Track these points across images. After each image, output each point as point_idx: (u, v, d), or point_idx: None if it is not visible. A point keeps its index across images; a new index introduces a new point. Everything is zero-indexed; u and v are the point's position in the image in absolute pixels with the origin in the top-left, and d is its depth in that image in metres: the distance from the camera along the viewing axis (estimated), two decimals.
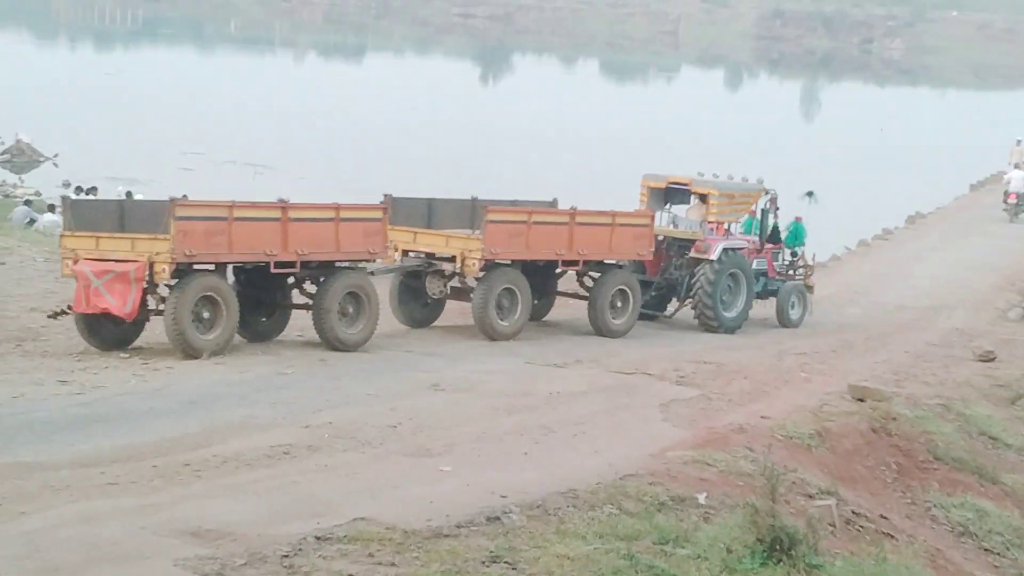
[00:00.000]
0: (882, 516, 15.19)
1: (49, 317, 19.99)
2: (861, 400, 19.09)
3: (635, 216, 25.70)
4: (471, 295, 23.13)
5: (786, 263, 28.85)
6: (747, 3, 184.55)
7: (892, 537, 14.41)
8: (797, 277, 28.78)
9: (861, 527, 14.41)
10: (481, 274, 22.77)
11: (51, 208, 32.92)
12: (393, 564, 10.96)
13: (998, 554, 15.69)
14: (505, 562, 11.18)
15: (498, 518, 12.26)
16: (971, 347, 25.52)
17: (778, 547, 11.73)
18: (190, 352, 19.12)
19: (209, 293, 19.45)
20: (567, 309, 25.92)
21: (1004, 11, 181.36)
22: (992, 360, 24.38)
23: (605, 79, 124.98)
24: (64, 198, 21.17)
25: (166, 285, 19.41)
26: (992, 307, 31.81)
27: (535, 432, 15.91)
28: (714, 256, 25.90)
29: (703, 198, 26.63)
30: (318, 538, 11.35)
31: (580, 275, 24.98)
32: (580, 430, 16.24)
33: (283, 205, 20.83)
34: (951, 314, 30.60)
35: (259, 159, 55.23)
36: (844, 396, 19.40)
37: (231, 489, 12.77)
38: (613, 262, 24.85)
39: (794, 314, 27.93)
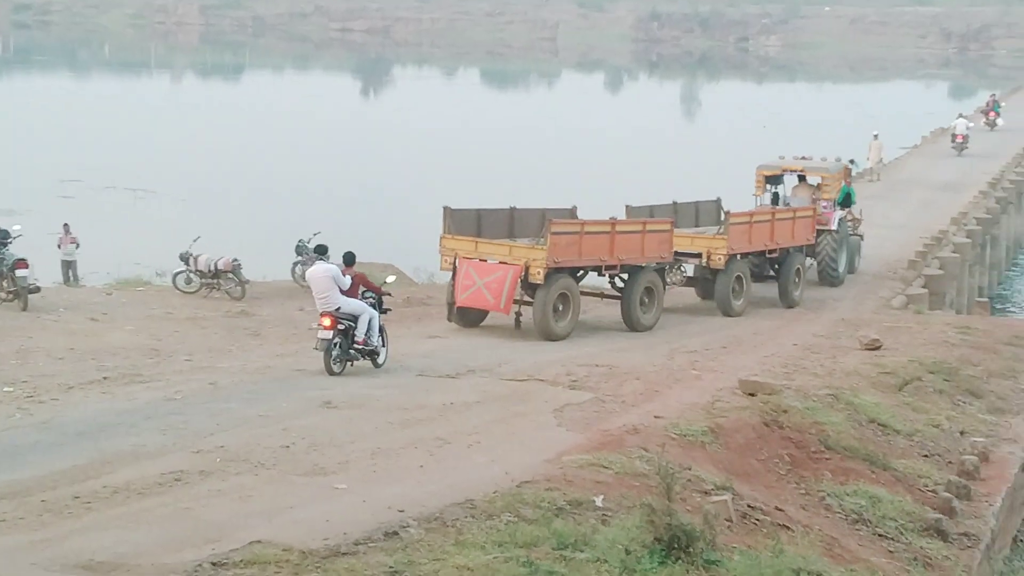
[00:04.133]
0: (777, 508, 15.30)
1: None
2: (752, 395, 19.21)
3: (805, 211, 31.62)
4: (701, 283, 29.81)
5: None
6: (624, 7, 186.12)
7: (788, 528, 14.51)
8: (851, 232, 34.56)
9: (757, 520, 14.49)
10: (723, 266, 28.54)
11: None
12: None
13: (892, 539, 15.86)
14: None
15: (396, 533, 12.19)
16: (857, 336, 25.83)
17: (676, 545, 11.78)
18: (551, 336, 24.74)
19: (564, 291, 25.11)
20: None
21: (876, 4, 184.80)
22: (878, 348, 24.68)
23: (488, 87, 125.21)
24: (445, 207, 25.73)
25: (532, 283, 24.83)
26: (876, 296, 32.31)
27: (430, 444, 15.85)
28: (834, 226, 32.85)
29: (802, 179, 33.80)
30: (214, 564, 11.20)
31: (772, 261, 30.77)
32: (475, 440, 16.20)
33: (613, 222, 26.60)
34: (836, 305, 31.02)
35: (139, 183, 54.63)
36: (735, 391, 19.52)
37: (123, 519, 12.56)
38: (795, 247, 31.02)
39: (858, 261, 34.65)
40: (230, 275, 28.29)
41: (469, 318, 25.64)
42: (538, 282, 24.76)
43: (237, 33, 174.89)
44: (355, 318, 20.56)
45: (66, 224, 33.15)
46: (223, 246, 30.09)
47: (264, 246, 37.04)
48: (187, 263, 28.61)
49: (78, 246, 33.05)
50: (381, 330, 20.99)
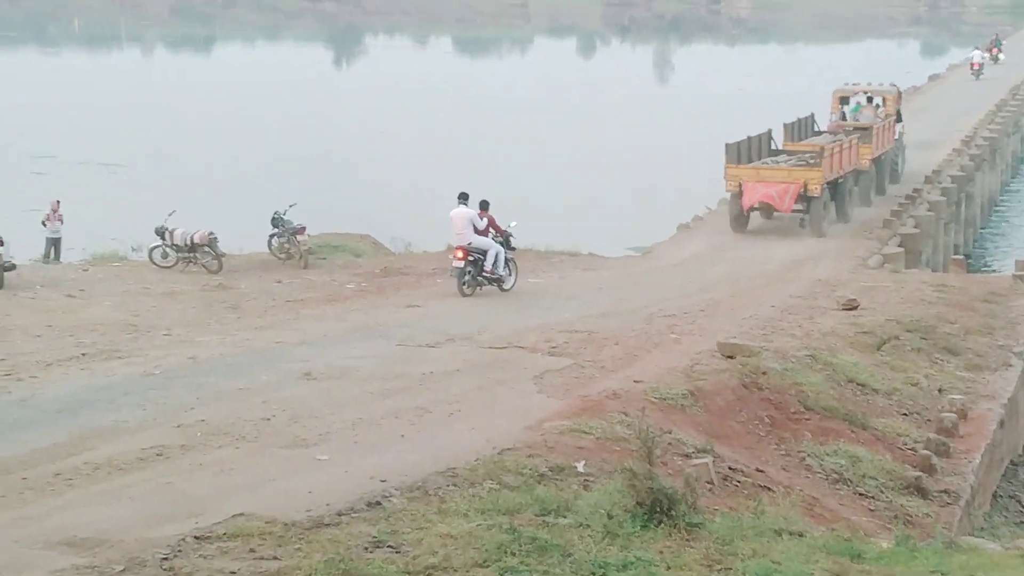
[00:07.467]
0: (758, 469, 15.37)
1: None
2: (731, 357, 19.26)
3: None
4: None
5: None
6: None
7: (769, 490, 14.58)
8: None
9: (738, 482, 14.56)
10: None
11: None
12: (275, 558, 10.84)
13: (872, 498, 15.95)
14: (388, 546, 11.12)
15: (379, 503, 12.20)
16: (835, 297, 25.91)
17: (658, 509, 11.79)
18: (822, 234, 34.03)
19: (826, 200, 34.47)
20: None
21: None
22: (855, 308, 24.74)
23: (460, 54, 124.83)
24: (727, 144, 34.04)
25: (809, 196, 33.86)
26: (853, 255, 32.38)
27: (411, 414, 15.85)
28: (896, 136, 42.16)
29: (870, 100, 42.74)
30: (197, 538, 11.19)
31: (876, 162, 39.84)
32: (456, 408, 16.21)
33: (839, 143, 36.02)
34: (814, 265, 31.08)
35: (113, 158, 54.37)
36: (714, 354, 19.57)
37: (105, 495, 12.55)
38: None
39: (903, 165, 43.43)
40: (206, 248, 28.24)
41: (742, 224, 34.45)
42: (815, 195, 33.72)
43: (207, 5, 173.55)
44: (484, 252, 25.59)
45: (57, 201, 32.76)
46: (199, 219, 29.99)
47: (240, 219, 36.91)
48: (163, 237, 28.53)
49: (63, 223, 32.76)
50: (508, 262, 26.19)
